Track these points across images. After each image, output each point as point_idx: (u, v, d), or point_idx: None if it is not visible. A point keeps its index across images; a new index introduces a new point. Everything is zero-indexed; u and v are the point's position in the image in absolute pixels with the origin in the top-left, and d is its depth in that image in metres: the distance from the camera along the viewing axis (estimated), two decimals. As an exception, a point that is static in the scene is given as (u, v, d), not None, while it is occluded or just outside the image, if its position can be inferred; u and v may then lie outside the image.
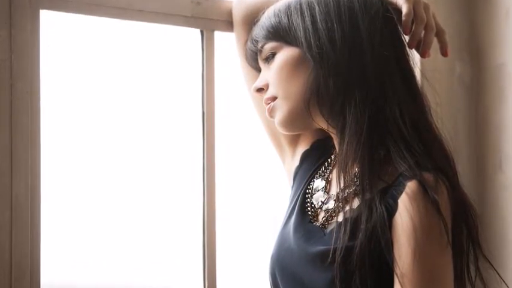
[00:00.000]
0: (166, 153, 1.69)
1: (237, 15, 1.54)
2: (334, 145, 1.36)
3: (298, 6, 1.31)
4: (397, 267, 1.17)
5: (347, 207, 1.24)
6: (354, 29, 1.27)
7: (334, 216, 1.28)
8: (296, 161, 1.46)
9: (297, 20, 1.30)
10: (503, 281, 1.32)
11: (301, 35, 1.29)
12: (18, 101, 1.36)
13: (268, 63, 1.36)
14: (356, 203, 1.24)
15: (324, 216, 1.30)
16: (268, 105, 1.35)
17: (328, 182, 1.35)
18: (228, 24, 1.58)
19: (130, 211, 1.64)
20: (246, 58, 1.46)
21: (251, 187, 1.85)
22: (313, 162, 1.41)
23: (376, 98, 1.24)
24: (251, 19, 1.46)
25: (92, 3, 1.46)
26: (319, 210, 1.32)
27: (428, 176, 1.20)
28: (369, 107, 1.24)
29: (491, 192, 1.95)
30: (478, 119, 1.99)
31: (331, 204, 1.30)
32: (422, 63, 1.49)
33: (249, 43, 1.41)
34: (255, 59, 1.41)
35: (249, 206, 1.85)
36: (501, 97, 1.94)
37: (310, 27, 1.28)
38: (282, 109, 1.33)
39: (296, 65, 1.30)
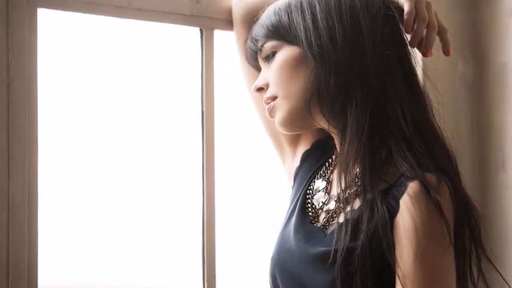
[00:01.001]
0: (165, 152, 1.68)
1: (237, 14, 1.53)
2: (335, 145, 1.35)
3: (299, 4, 1.30)
4: (399, 268, 1.16)
5: (348, 208, 1.23)
6: (355, 28, 1.26)
7: (335, 217, 1.27)
8: (296, 161, 1.45)
9: (297, 19, 1.29)
10: (506, 282, 1.31)
11: (301, 33, 1.28)
12: (15, 100, 1.35)
13: (268, 62, 1.35)
14: (357, 203, 1.23)
15: (325, 217, 1.29)
16: (269, 105, 1.34)
17: (329, 182, 1.34)
18: (227, 22, 1.57)
19: (129, 211, 1.64)
20: (246, 57, 1.45)
21: (251, 187, 1.84)
22: (314, 163, 1.40)
23: (378, 97, 1.24)
24: (251, 18, 1.45)
25: (90, 2, 1.45)
26: (320, 211, 1.32)
27: (430, 177, 1.19)
28: (370, 107, 1.23)
29: (494, 192, 1.94)
30: (480, 119, 1.99)
31: (332, 205, 1.30)
32: (424, 62, 1.48)
33: (249, 42, 1.40)
34: (255, 58, 1.40)
35: (248, 206, 1.84)
36: (503, 96, 1.93)
37: (310, 25, 1.27)
38: (282, 109, 1.32)
39: (296, 64, 1.30)
